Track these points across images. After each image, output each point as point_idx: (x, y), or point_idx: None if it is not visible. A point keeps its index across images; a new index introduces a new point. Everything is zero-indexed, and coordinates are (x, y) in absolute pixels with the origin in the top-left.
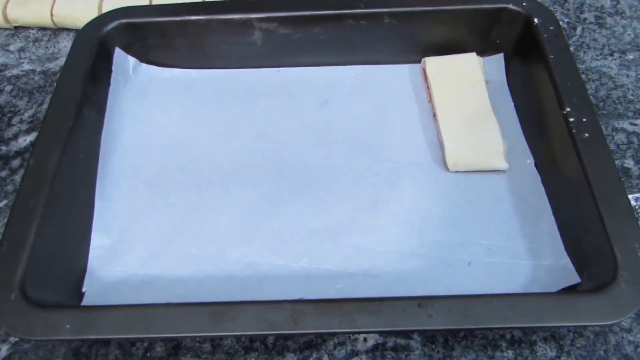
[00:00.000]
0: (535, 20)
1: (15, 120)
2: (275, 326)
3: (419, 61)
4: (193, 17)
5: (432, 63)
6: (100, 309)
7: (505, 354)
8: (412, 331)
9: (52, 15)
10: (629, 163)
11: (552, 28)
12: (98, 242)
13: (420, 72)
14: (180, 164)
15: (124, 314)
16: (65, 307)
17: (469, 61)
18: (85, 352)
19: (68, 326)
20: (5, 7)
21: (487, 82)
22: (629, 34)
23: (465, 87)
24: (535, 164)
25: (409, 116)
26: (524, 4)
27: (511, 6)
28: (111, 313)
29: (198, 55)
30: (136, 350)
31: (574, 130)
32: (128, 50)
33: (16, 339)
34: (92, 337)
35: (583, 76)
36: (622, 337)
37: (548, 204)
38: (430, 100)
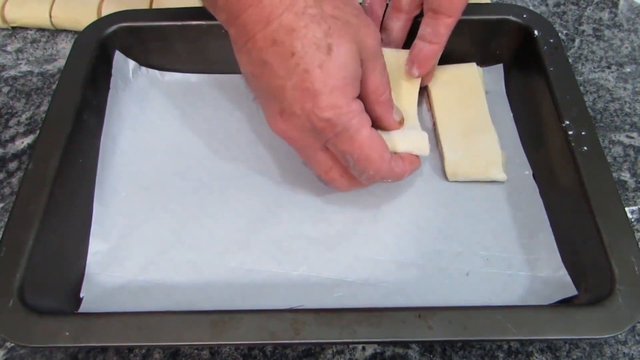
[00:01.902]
0: (536, 32)
1: (12, 122)
2: (275, 336)
3: None
4: (194, 22)
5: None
6: (99, 317)
7: None
8: (412, 342)
9: (50, 16)
10: (626, 176)
11: (552, 40)
12: (96, 248)
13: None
14: (179, 169)
15: (123, 321)
16: (64, 314)
17: (469, 71)
18: (82, 358)
19: (67, 333)
20: (3, 8)
21: (486, 93)
22: (627, 47)
23: (465, 97)
24: (533, 176)
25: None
26: (525, 16)
27: (512, 18)
28: (111, 320)
29: (198, 59)
30: (134, 356)
31: (573, 144)
32: (128, 53)
33: (13, 344)
34: (91, 344)
35: (581, 88)
36: (617, 350)
37: (546, 216)
38: (430, 109)
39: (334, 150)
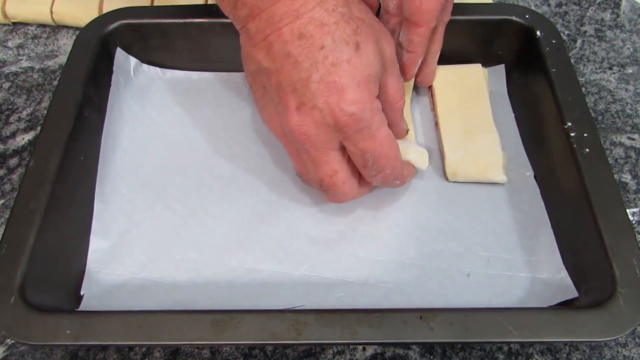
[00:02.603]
0: (538, 32)
1: (13, 118)
2: (277, 336)
3: None
4: (196, 20)
5: (437, 72)
6: (100, 315)
7: None
8: (413, 343)
9: (52, 12)
10: (627, 177)
11: (554, 41)
12: (97, 245)
13: None
14: (180, 167)
15: (124, 320)
16: (66, 312)
17: (474, 72)
18: (82, 355)
19: (67, 331)
20: (4, 3)
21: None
22: (628, 48)
23: (469, 98)
24: (535, 177)
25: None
26: (527, 16)
27: (514, 18)
28: (112, 319)
29: (200, 57)
30: (134, 355)
31: (575, 145)
32: (129, 50)
33: (13, 341)
34: (91, 343)
35: (582, 89)
36: (617, 352)
37: (547, 217)
38: (433, 109)
39: (353, 148)
